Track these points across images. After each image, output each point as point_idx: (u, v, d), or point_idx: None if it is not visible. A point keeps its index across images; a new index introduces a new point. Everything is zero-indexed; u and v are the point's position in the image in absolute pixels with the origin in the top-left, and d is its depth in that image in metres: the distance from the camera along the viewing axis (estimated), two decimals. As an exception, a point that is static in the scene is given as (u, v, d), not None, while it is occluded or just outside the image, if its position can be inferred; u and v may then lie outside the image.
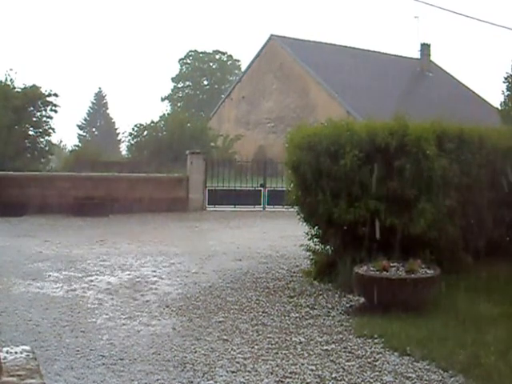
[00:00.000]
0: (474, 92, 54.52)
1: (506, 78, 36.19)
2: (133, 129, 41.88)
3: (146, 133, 41.64)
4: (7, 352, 2.54)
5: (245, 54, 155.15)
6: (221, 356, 7.28)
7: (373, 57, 50.67)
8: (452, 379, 6.47)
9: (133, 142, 42.34)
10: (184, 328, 8.46)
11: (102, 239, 16.74)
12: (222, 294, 10.46)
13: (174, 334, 8.16)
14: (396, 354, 7.28)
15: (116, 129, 77.61)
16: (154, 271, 12.40)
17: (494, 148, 11.47)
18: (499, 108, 37.22)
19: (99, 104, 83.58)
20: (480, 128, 11.82)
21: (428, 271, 9.24)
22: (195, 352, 7.42)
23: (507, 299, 9.33)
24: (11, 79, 33.85)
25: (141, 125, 41.86)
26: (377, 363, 7.02)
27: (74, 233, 18.20)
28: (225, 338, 8.01)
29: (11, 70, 42.90)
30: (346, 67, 46.02)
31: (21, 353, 2.58)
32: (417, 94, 48.20)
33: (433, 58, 57.12)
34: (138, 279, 11.62)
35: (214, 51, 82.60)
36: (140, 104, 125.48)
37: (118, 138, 67.83)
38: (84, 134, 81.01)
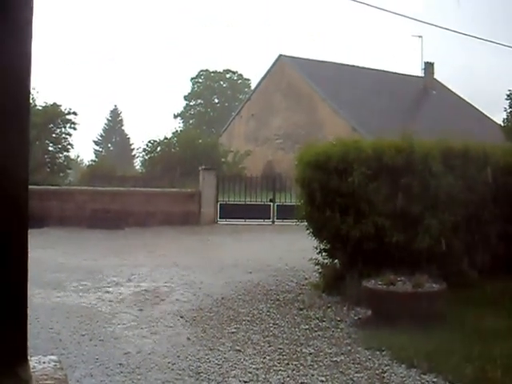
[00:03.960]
0: (477, 109, 54.41)
1: (508, 95, 36.12)
2: (147, 145, 42.04)
3: (159, 148, 41.73)
4: (36, 362, 2.54)
5: (254, 73, 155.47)
6: (234, 366, 7.26)
7: (378, 75, 50.67)
8: (459, 392, 6.44)
9: (147, 158, 42.46)
10: (198, 338, 8.45)
11: (118, 251, 16.77)
12: (234, 306, 10.44)
13: (188, 344, 8.15)
14: (403, 366, 7.24)
15: (131, 144, 77.95)
16: (168, 283, 12.40)
17: (499, 165, 11.46)
18: (502, 125, 37.13)
19: (115, 121, 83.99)
20: (484, 145, 11.80)
21: (434, 285, 9.20)
22: (209, 362, 7.40)
23: (512, 313, 9.29)
24: (33, 97, 34.02)
25: (154, 141, 41.97)
26: (385, 375, 6.98)
27: (91, 245, 18.24)
28: (237, 348, 7.99)
29: (33, 88, 43.07)
30: (351, 85, 46.05)
31: (49, 362, 2.58)
32: (421, 111, 48.20)
33: (436, 76, 57.17)
34: (152, 290, 11.62)
35: (224, 70, 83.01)
36: (154, 121, 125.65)
37: (133, 153, 68.03)
38: (100, 149, 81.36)
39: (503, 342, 7.85)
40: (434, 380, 6.78)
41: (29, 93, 2.27)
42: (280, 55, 50.70)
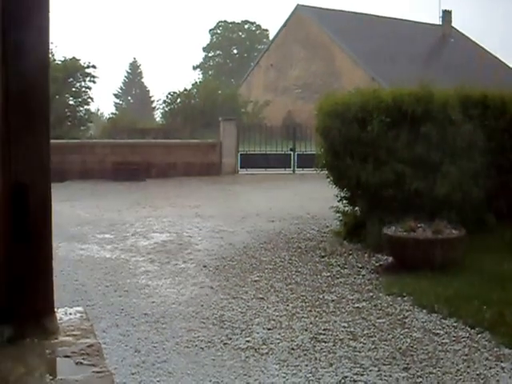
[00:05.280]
0: (495, 56, 53.73)
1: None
2: (167, 96, 41.85)
3: (179, 100, 41.58)
4: (62, 313, 2.54)
5: (272, 24, 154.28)
6: (257, 314, 7.31)
7: (395, 24, 50.10)
8: (479, 336, 6.44)
9: (167, 109, 42.31)
10: (221, 287, 8.50)
11: (140, 203, 16.82)
12: (256, 254, 10.48)
13: (211, 293, 8.21)
14: (424, 311, 7.27)
15: (151, 97, 77.56)
16: (191, 233, 12.45)
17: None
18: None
19: (134, 73, 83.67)
20: (503, 93, 11.67)
21: (454, 232, 9.19)
22: (233, 310, 7.46)
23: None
24: (52, 52, 33.93)
25: (174, 92, 41.81)
26: (406, 320, 7.01)
27: (113, 197, 18.28)
28: (260, 296, 8.04)
29: (52, 43, 42.98)
30: (369, 34, 45.53)
31: (75, 314, 2.58)
32: (439, 59, 47.62)
33: (454, 24, 56.40)
34: (175, 241, 11.68)
35: (242, 21, 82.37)
36: (173, 73, 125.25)
37: (153, 105, 67.83)
38: (120, 102, 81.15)
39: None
40: (455, 324, 6.81)
41: (48, 48, 2.23)
42: (297, 5, 50.18)
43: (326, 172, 11.74)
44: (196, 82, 47.31)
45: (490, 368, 5.64)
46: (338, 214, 11.85)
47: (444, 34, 53.79)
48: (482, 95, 11.17)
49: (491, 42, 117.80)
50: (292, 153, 26.58)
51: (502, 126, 11.02)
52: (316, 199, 16.30)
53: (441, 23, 55.26)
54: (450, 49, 51.13)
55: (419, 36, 49.44)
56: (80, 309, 2.70)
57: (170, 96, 41.65)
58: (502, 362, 5.78)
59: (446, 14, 55.41)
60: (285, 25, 51.59)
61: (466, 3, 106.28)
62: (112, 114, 55.56)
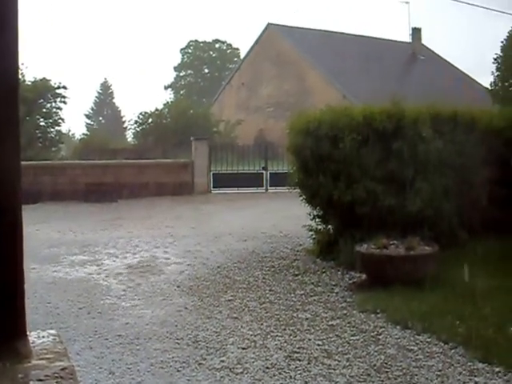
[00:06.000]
0: (464, 73, 54.36)
1: (495, 59, 36.09)
2: (138, 116, 41.78)
3: (150, 120, 41.52)
4: (35, 336, 2.55)
5: (243, 43, 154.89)
6: (231, 333, 7.31)
7: (366, 42, 50.53)
8: (453, 351, 6.49)
9: (138, 130, 42.23)
10: (195, 307, 8.49)
11: (113, 224, 16.77)
12: (230, 274, 10.48)
13: (186, 313, 8.19)
14: (398, 327, 7.31)
15: (122, 117, 77.40)
16: (164, 253, 12.43)
17: (487, 128, 11.50)
18: (489, 88, 37.13)
19: (105, 94, 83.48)
20: (473, 110, 11.84)
21: (426, 248, 9.26)
22: (207, 330, 7.45)
23: (503, 273, 9.34)
24: (22, 73, 33.75)
25: (146, 112, 41.75)
26: (380, 337, 7.05)
27: (85, 218, 18.21)
28: (234, 315, 8.04)
29: (22, 64, 42.89)
30: (340, 52, 45.94)
31: (48, 336, 2.59)
32: (410, 76, 48.15)
33: (424, 41, 57.03)
34: (148, 261, 11.65)
35: (213, 40, 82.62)
36: (144, 93, 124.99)
37: (124, 125, 67.71)
38: (91, 122, 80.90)
39: (494, 300, 7.96)
40: (428, 340, 6.85)
41: (17, 69, 2.25)
42: (268, 24, 50.47)
43: (299, 190, 11.79)
44: (167, 102, 47.38)
45: (464, 383, 5.68)
46: (310, 233, 11.89)
47: (414, 52, 54.38)
48: (452, 112, 11.31)
49: (460, 58, 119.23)
50: (264, 171, 26.66)
51: (472, 141, 11.15)
52: (289, 218, 16.34)
53: (411, 41, 55.86)
54: (420, 66, 51.69)
55: (390, 53, 49.90)
56: (53, 331, 2.69)
57: (141, 116, 41.60)
58: (475, 376, 5.82)
59: (416, 32, 56.01)
60: (256, 43, 51.82)
61: (436, 21, 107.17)
62: (83, 134, 55.41)
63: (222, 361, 6.40)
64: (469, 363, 6.13)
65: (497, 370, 5.92)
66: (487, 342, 6.51)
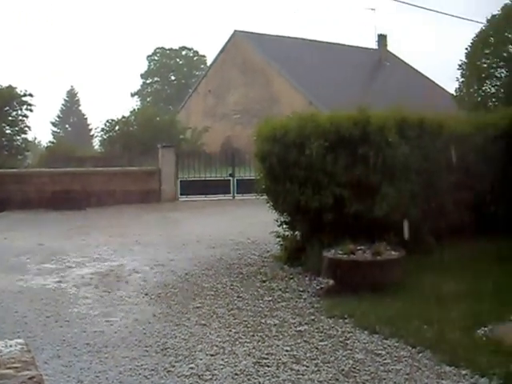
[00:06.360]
0: (429, 79, 54.87)
1: (460, 65, 36.51)
2: (105, 124, 41.61)
3: (117, 128, 41.35)
4: (2, 345, 2.53)
5: (210, 50, 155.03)
6: (200, 340, 7.31)
7: (332, 48, 50.87)
8: (420, 355, 6.55)
9: (105, 137, 42.06)
10: (163, 314, 8.47)
11: (80, 232, 16.67)
12: (198, 281, 10.47)
13: (154, 321, 8.17)
14: (366, 332, 7.36)
15: (88, 125, 77.14)
16: (132, 261, 12.38)
17: (452, 134, 11.62)
18: (454, 94, 37.56)
19: (71, 101, 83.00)
20: (438, 116, 11.96)
21: (393, 253, 9.33)
22: (175, 337, 7.44)
23: (468, 277, 9.46)
24: (-14, 81, 33.52)
25: (112, 120, 41.59)
26: (348, 342, 7.09)
27: (53, 226, 18.09)
28: (203, 322, 8.03)
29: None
30: (307, 59, 46.09)
31: (15, 346, 2.58)
32: (376, 83, 48.47)
33: (389, 48, 57.50)
34: (116, 269, 11.59)
35: (180, 47, 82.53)
36: (111, 100, 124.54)
37: (91, 133, 67.42)
38: (58, 130, 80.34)
39: (459, 304, 8.05)
40: (396, 344, 6.91)
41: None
42: (235, 31, 50.50)
43: (266, 197, 11.81)
44: (134, 109, 47.25)
45: (432, 386, 5.75)
46: (278, 239, 11.92)
47: (380, 58, 54.77)
48: (418, 117, 11.40)
49: (426, 65, 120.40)
50: (231, 178, 26.68)
51: (439, 147, 11.26)
52: (256, 224, 16.38)
53: (377, 47, 56.28)
54: (386, 72, 52.07)
55: (356, 60, 50.24)
56: (21, 341, 2.68)
57: (108, 123, 41.42)
58: (442, 379, 5.89)
59: (382, 39, 56.46)
60: (222, 50, 51.83)
61: (402, 28, 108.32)
62: (50, 142, 54.98)
63: (191, 368, 6.40)
64: (436, 367, 6.20)
65: (463, 372, 6.00)
66: (454, 346, 6.59)
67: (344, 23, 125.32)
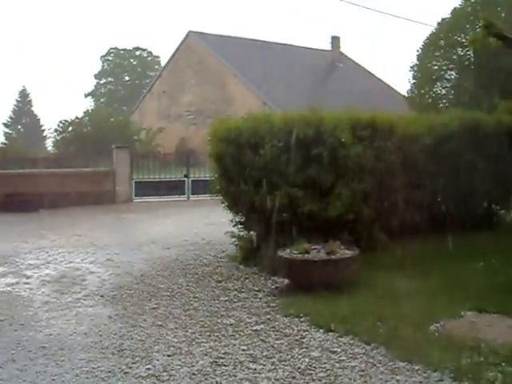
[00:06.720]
0: (381, 80, 55.39)
1: (411, 67, 36.90)
2: (58, 125, 41.30)
3: (71, 128, 41.08)
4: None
5: (164, 50, 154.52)
6: (156, 341, 7.30)
7: (287, 49, 51.08)
8: (374, 351, 6.64)
9: (59, 138, 41.71)
10: (119, 316, 8.43)
11: (34, 234, 16.48)
12: (154, 282, 10.44)
13: (110, 323, 8.14)
14: (321, 330, 7.43)
15: (41, 126, 76.26)
16: (87, 263, 12.28)
17: (404, 135, 11.80)
18: (406, 95, 37.96)
19: (24, 102, 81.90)
20: (390, 116, 12.11)
21: (347, 251, 9.42)
22: (132, 338, 7.42)
23: (420, 274, 9.63)
24: None
25: (66, 121, 41.29)
26: (304, 340, 7.15)
27: (5, 229, 17.86)
28: (159, 323, 8.02)
29: None
30: (261, 60, 46.26)
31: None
32: (329, 84, 48.83)
33: (342, 49, 57.92)
34: (71, 271, 11.49)
35: (134, 48, 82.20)
36: (64, 101, 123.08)
37: (44, 134, 66.71)
38: (10, 131, 79.27)
39: (412, 301, 8.22)
40: (351, 342, 7.00)
41: None
42: (189, 31, 50.39)
43: (221, 197, 11.83)
44: (88, 110, 46.89)
45: (386, 381, 5.84)
46: (233, 239, 11.95)
47: (333, 60, 55.12)
48: (370, 118, 11.53)
49: (380, 66, 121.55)
50: (186, 179, 26.62)
51: (390, 147, 11.41)
52: (211, 225, 16.41)
53: (330, 49, 56.65)
54: (339, 73, 52.46)
55: (310, 61, 50.55)
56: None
57: (61, 124, 41.11)
58: (396, 375, 5.98)
59: (335, 40, 56.86)
60: (177, 51, 51.73)
61: (356, 29, 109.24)
62: (1, 143, 54.24)
63: (148, 369, 6.40)
64: (390, 362, 6.30)
65: (416, 368, 6.10)
66: (407, 342, 6.70)
67: (299, 25, 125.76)
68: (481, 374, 5.82)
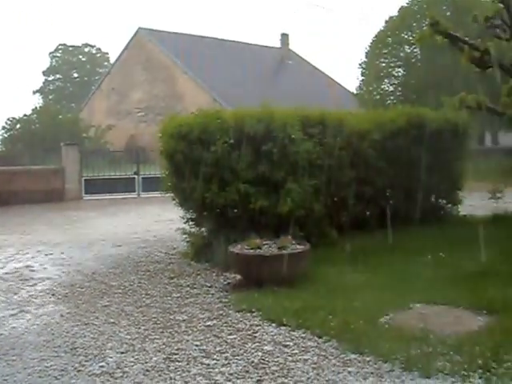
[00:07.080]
0: (330, 77, 55.80)
1: (360, 65, 37.32)
2: (6, 122, 40.76)
3: (18, 126, 40.58)
4: None
5: (113, 47, 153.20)
6: (109, 338, 7.27)
7: (237, 47, 51.22)
8: (326, 344, 6.71)
9: (6, 136, 41.17)
10: (71, 314, 8.38)
11: (-18, 233, 16.28)
12: (105, 280, 10.39)
13: (62, 321, 8.07)
14: (274, 325, 7.47)
15: (-13, 123, 75.14)
16: (37, 261, 12.16)
17: (353, 131, 11.93)
18: (355, 92, 38.36)
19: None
20: (340, 113, 12.24)
21: (298, 247, 9.48)
22: (84, 336, 7.38)
23: (370, 268, 9.75)
24: None
25: (14, 118, 40.77)
26: (257, 335, 7.18)
27: (-47, 228, 17.58)
28: (112, 321, 7.99)
29: None
30: (211, 57, 46.25)
31: None
32: (279, 81, 49.01)
33: (291, 46, 58.17)
34: (21, 270, 11.37)
35: (83, 44, 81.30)
36: (12, 98, 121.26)
37: (-10, 131, 65.73)
38: (-45, 129, 77.95)
39: (362, 294, 8.33)
40: (303, 335, 7.05)
41: None
42: (139, 28, 50.13)
43: (172, 194, 11.81)
44: (36, 107, 46.30)
45: (338, 373, 5.90)
46: (184, 236, 11.94)
47: (283, 57, 55.33)
48: (320, 115, 11.64)
49: (329, 63, 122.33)
50: (136, 176, 26.51)
51: (340, 143, 11.53)
52: (162, 222, 16.41)
53: (280, 46, 56.86)
54: (289, 70, 52.71)
55: (260, 58, 50.76)
56: None
57: (9, 122, 40.56)
58: (348, 366, 6.06)
59: (284, 37, 57.08)
60: (126, 48, 51.40)
61: (306, 27, 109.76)
62: None
63: (102, 366, 6.37)
64: (342, 355, 6.37)
65: (368, 359, 6.19)
66: (358, 334, 6.77)
67: (249, 22, 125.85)
68: (430, 364, 5.92)
